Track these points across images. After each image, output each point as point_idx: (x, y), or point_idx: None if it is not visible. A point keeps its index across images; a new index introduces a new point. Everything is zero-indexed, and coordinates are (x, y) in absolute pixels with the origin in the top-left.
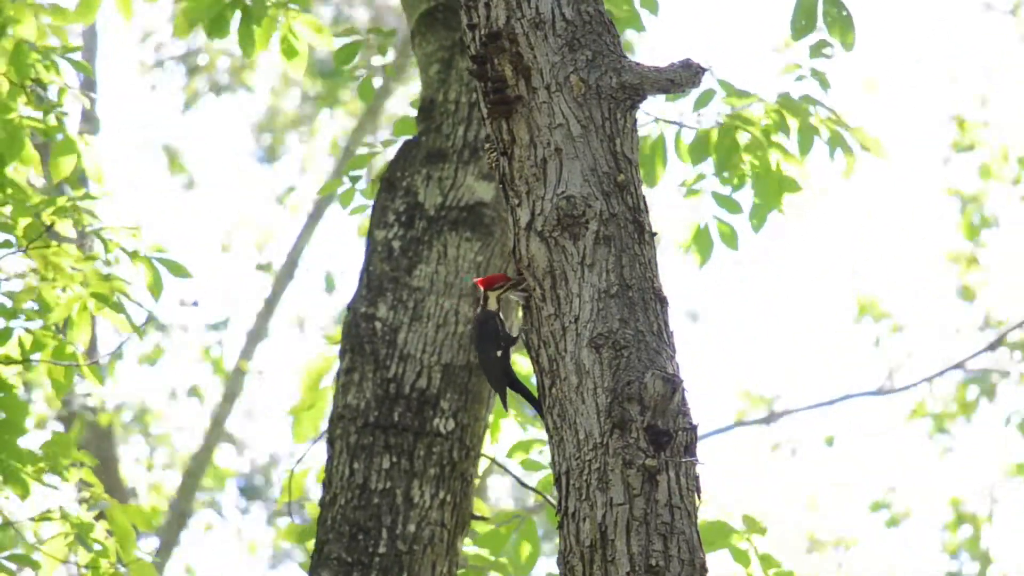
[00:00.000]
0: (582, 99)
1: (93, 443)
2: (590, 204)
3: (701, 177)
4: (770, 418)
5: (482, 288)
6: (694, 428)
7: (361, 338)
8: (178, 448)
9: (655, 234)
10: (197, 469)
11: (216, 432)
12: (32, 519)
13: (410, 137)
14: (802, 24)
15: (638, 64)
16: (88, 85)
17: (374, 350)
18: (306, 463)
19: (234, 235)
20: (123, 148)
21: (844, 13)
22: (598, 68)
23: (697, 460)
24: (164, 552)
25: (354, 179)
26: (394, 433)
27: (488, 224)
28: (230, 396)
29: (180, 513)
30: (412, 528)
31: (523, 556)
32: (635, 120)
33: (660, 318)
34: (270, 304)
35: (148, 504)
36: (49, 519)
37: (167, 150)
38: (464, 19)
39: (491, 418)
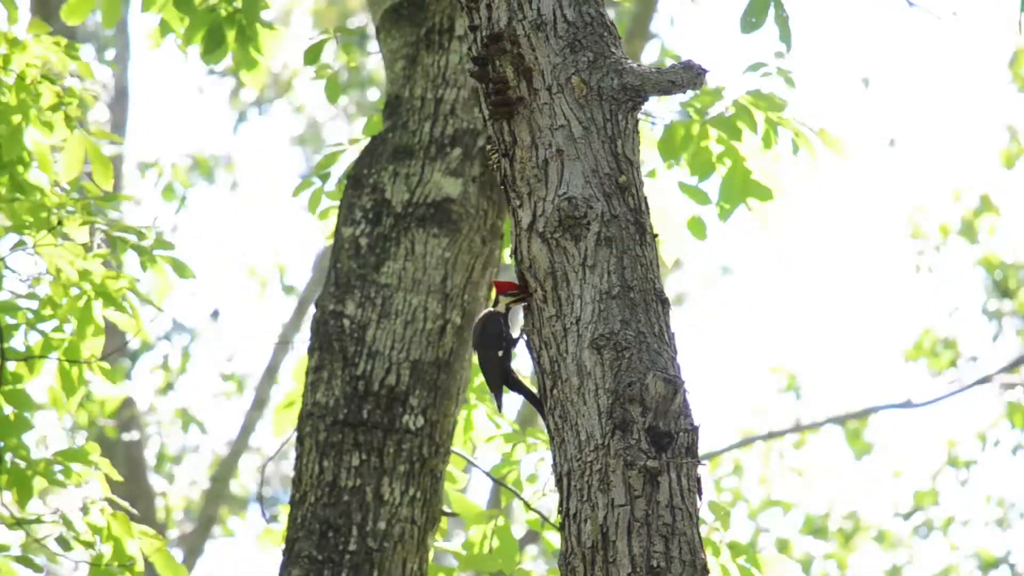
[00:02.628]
0: (583, 100)
1: (121, 447)
2: (591, 205)
3: (669, 166)
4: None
5: (496, 291)
6: (695, 429)
7: (329, 336)
8: (205, 454)
9: (656, 235)
10: (225, 475)
11: (244, 439)
12: (27, 521)
13: (377, 134)
14: (752, 21)
15: (639, 65)
16: (120, 96)
17: (343, 347)
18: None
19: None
20: (159, 156)
21: (784, 14)
22: (599, 69)
23: (699, 461)
24: (189, 559)
25: (324, 177)
26: (363, 430)
27: (455, 220)
28: (259, 403)
29: (207, 519)
30: (382, 525)
31: (501, 554)
32: (636, 121)
33: (661, 319)
34: (299, 314)
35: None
36: (43, 522)
37: (201, 162)
38: (466, 21)
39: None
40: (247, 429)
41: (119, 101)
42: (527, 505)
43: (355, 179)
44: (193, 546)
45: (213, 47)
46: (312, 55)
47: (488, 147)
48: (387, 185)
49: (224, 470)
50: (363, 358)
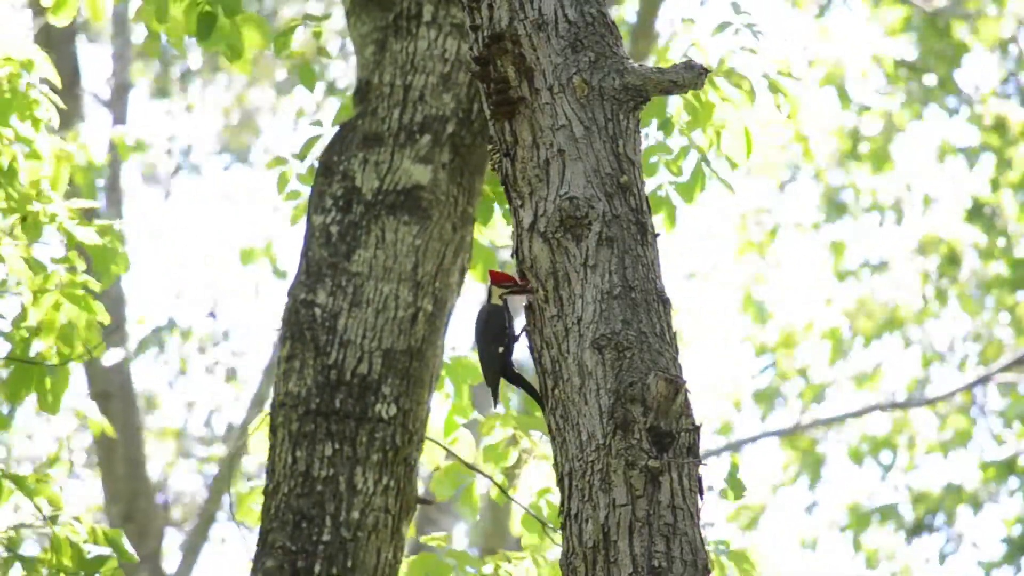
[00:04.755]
0: (585, 100)
1: (120, 443)
2: (593, 205)
3: (655, 150)
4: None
5: (490, 281)
6: (696, 429)
7: (301, 325)
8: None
9: (657, 235)
10: (226, 472)
11: (244, 437)
12: None
13: (346, 120)
14: None
15: (640, 65)
16: (120, 92)
17: (314, 337)
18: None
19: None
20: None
21: None
22: (601, 69)
23: (700, 461)
24: (190, 554)
25: (301, 158)
26: (336, 420)
27: (426, 207)
28: (259, 401)
29: (207, 515)
30: (356, 515)
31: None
32: (638, 121)
33: (663, 319)
34: None
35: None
36: None
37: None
38: (467, 20)
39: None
40: (247, 428)
41: (119, 97)
42: (504, 493)
43: (325, 166)
44: (192, 546)
45: (206, 32)
46: (282, 43)
47: (490, 147)
48: (357, 172)
49: (224, 468)
50: (335, 347)
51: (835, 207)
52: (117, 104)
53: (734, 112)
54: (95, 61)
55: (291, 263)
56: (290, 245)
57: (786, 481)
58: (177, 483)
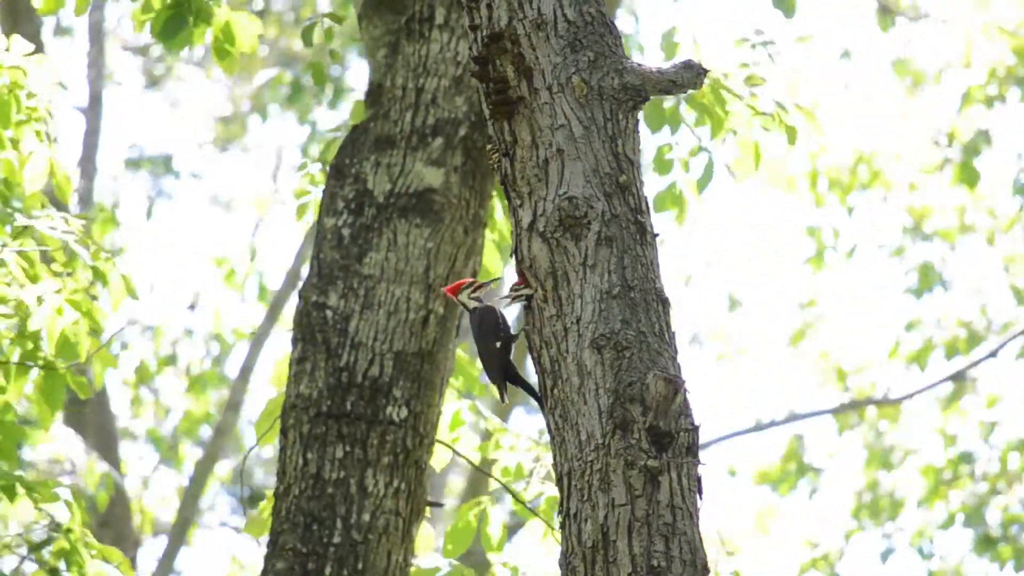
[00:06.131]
0: (584, 100)
1: (95, 449)
2: (592, 205)
3: (668, 148)
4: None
5: (451, 295)
6: (696, 429)
7: (312, 327)
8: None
9: (657, 235)
10: (199, 479)
11: (219, 440)
12: None
13: (359, 123)
14: None
15: (640, 65)
16: (94, 102)
17: (326, 339)
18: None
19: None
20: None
21: None
22: (600, 69)
23: (699, 461)
24: (165, 563)
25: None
26: (347, 422)
27: (437, 210)
28: (234, 404)
29: (183, 520)
30: (367, 517)
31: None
32: (637, 121)
33: (662, 319)
34: (274, 310)
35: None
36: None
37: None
38: (466, 20)
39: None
40: (223, 431)
41: (93, 107)
42: (514, 495)
43: (337, 169)
44: (168, 553)
45: (172, 32)
46: (307, 37)
47: (489, 147)
48: (369, 175)
49: (199, 474)
50: (346, 349)
51: (915, 230)
52: (92, 110)
53: (744, 124)
54: (69, 68)
55: (275, 261)
56: (276, 245)
57: (856, 529)
58: (153, 487)
